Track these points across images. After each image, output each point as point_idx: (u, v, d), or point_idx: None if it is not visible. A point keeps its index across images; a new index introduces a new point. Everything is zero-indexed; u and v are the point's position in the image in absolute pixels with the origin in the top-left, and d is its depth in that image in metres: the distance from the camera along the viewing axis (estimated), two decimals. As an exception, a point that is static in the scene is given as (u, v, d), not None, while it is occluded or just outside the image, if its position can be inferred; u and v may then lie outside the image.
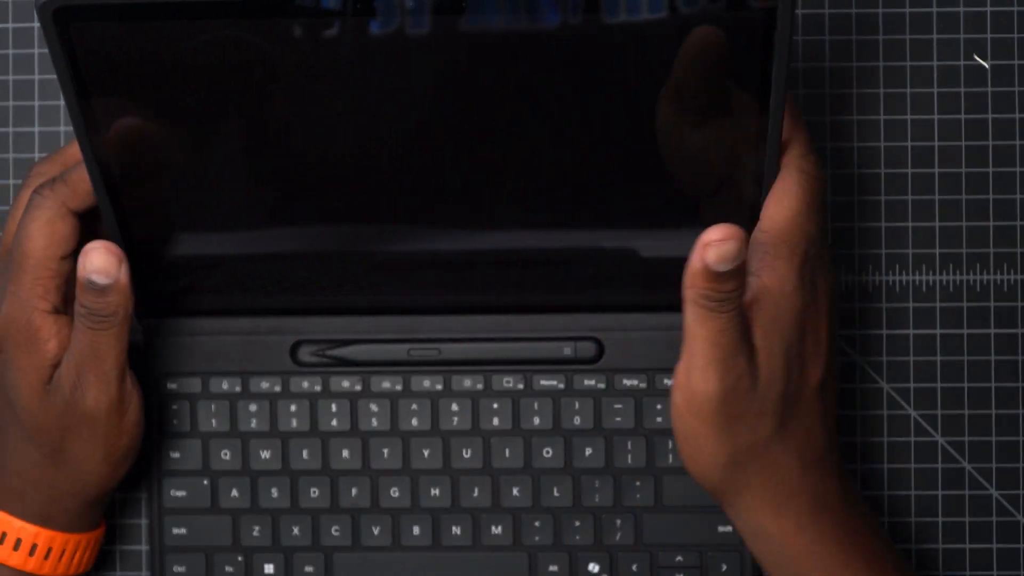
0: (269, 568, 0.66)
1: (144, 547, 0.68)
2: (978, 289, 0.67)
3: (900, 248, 0.67)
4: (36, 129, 0.68)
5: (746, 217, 0.59)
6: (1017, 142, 0.67)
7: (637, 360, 0.65)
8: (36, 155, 0.68)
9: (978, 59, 0.66)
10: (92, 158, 0.56)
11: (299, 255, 0.61)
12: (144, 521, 0.68)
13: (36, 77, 0.68)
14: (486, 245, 0.61)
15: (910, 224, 0.67)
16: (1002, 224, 0.67)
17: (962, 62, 0.67)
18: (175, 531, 0.66)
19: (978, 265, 0.67)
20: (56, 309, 0.59)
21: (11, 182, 0.68)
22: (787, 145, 0.57)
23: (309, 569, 0.66)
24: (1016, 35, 0.67)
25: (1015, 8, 0.67)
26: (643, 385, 0.65)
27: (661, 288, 0.63)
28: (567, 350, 0.65)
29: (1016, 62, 0.67)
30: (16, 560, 0.61)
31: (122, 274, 0.56)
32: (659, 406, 0.65)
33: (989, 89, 0.67)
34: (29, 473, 0.60)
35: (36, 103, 0.68)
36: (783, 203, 0.56)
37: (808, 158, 0.57)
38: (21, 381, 0.59)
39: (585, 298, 0.64)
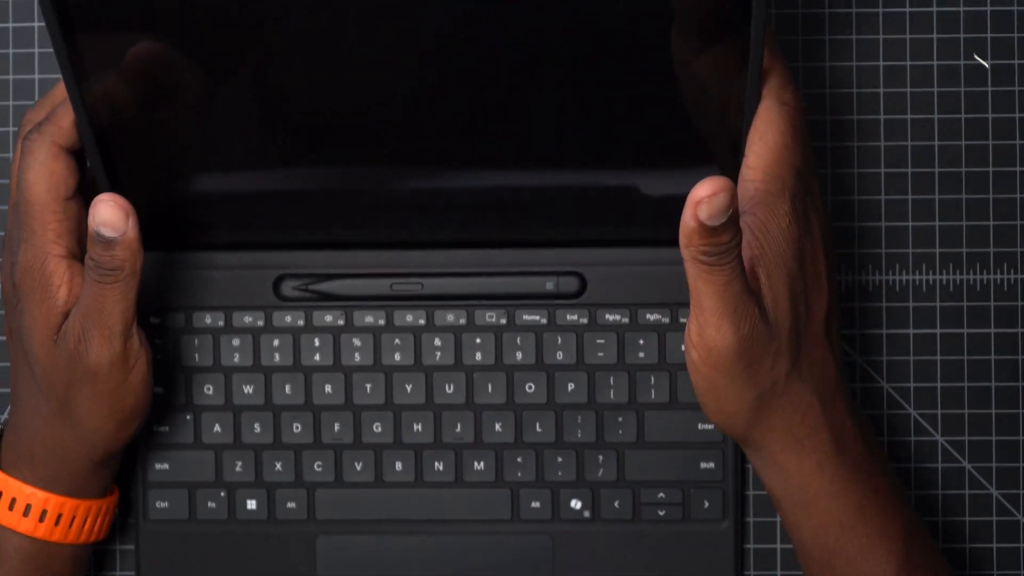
0: (252, 504, 0.66)
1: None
2: (978, 289, 0.67)
3: (900, 248, 0.67)
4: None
5: (729, 150, 0.59)
6: (1017, 142, 0.67)
7: (620, 295, 0.64)
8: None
9: (978, 59, 0.66)
10: (76, 93, 0.57)
11: (283, 190, 0.61)
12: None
13: (36, 77, 0.68)
14: (469, 181, 0.61)
15: (910, 224, 0.67)
16: (1002, 224, 0.67)
17: (962, 62, 0.67)
18: (157, 467, 0.66)
19: (978, 265, 0.67)
20: (71, 254, 0.59)
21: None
22: (766, 77, 0.57)
23: (291, 505, 0.66)
24: (1016, 35, 0.67)
25: (1015, 8, 0.67)
26: (625, 320, 0.65)
27: (644, 223, 0.63)
28: (550, 285, 0.65)
29: (1016, 62, 0.67)
30: (25, 527, 0.60)
31: (130, 228, 0.55)
32: (641, 341, 0.64)
33: (989, 89, 0.67)
34: (39, 431, 0.60)
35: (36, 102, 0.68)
36: (767, 137, 0.56)
37: (787, 88, 0.57)
38: (33, 329, 0.59)
39: (568, 233, 0.64)
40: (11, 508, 0.60)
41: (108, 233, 0.55)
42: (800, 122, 0.57)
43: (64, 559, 0.61)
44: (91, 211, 0.55)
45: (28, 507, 0.60)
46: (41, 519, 0.60)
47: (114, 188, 0.62)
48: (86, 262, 0.57)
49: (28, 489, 0.60)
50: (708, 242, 0.52)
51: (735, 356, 0.54)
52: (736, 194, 0.51)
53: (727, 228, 0.52)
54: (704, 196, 0.51)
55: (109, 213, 0.55)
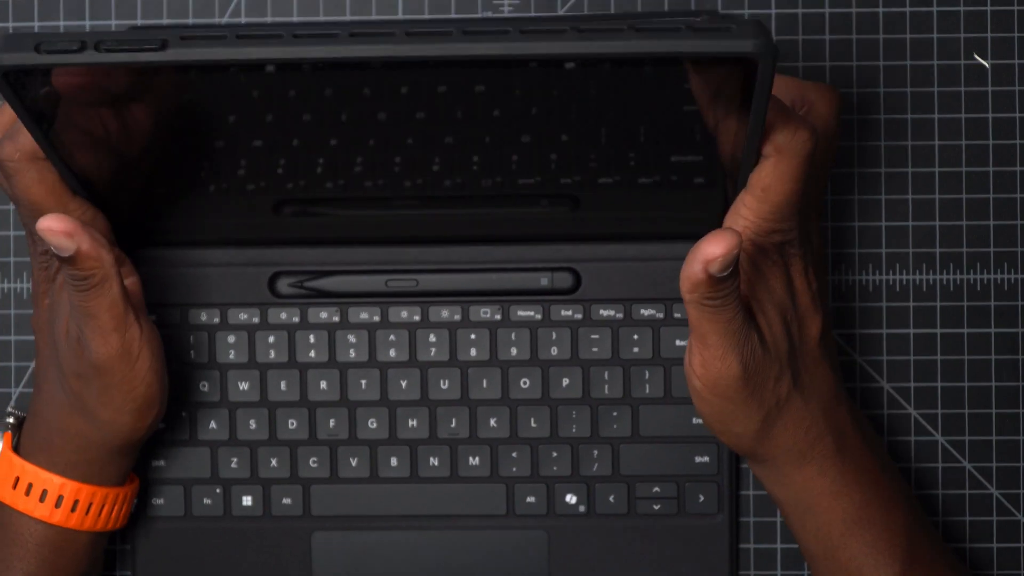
0: (247, 500, 0.66)
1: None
2: (978, 288, 0.67)
3: (900, 248, 0.67)
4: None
5: (726, 152, 0.59)
6: (1017, 142, 0.67)
7: (614, 290, 0.65)
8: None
9: (978, 58, 0.66)
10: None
11: (278, 187, 0.62)
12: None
13: None
14: (463, 177, 0.61)
15: (910, 223, 0.67)
16: (1002, 223, 0.67)
17: (962, 62, 0.67)
18: (153, 463, 0.66)
19: (978, 264, 0.67)
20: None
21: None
22: (771, 127, 0.55)
23: (287, 501, 0.66)
24: (1016, 35, 0.67)
25: (1015, 8, 0.67)
26: (620, 315, 0.65)
27: (638, 218, 0.63)
28: (544, 281, 0.65)
29: (1016, 62, 0.67)
30: (42, 512, 0.60)
31: (82, 242, 0.55)
32: (635, 336, 0.65)
33: (989, 89, 0.67)
34: (57, 420, 0.60)
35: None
36: (770, 190, 0.55)
37: (787, 132, 0.54)
38: (57, 322, 0.59)
39: (562, 228, 0.64)
40: (28, 493, 0.60)
41: (61, 253, 0.55)
42: (804, 163, 0.55)
43: (81, 546, 0.62)
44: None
45: (45, 492, 0.60)
46: (58, 505, 0.60)
47: (111, 185, 0.62)
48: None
49: (45, 475, 0.60)
50: (714, 291, 0.53)
51: (740, 383, 0.55)
52: (740, 244, 0.52)
53: (732, 275, 0.52)
54: (718, 255, 0.51)
55: (52, 234, 0.54)
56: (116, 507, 0.63)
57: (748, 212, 0.55)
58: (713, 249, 0.51)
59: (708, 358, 0.55)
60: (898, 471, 0.61)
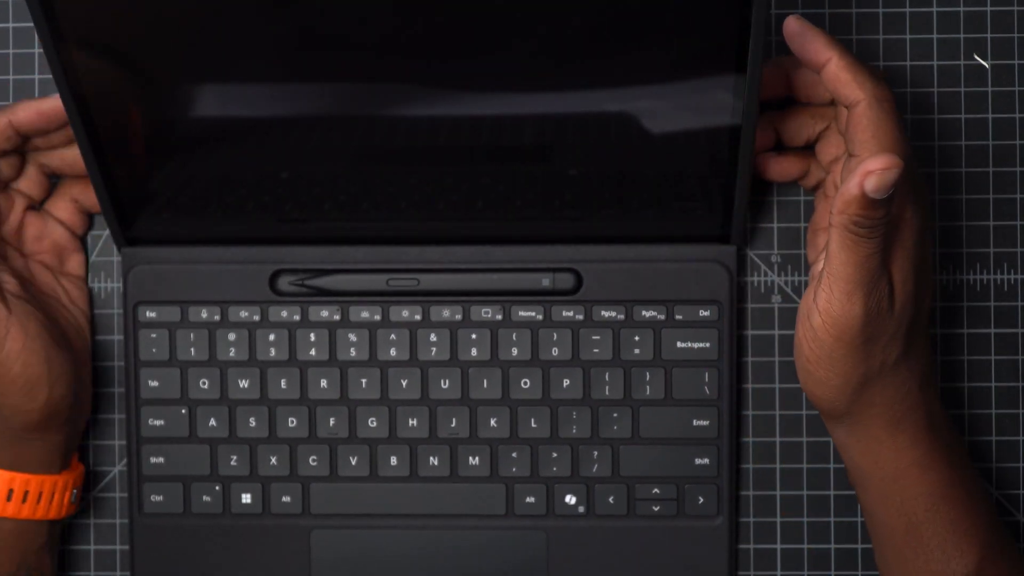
0: (246, 498, 0.66)
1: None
2: (978, 289, 0.67)
3: None
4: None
5: (725, 151, 0.59)
6: (1017, 142, 0.67)
7: (615, 292, 0.65)
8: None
9: (978, 59, 0.66)
10: (68, 92, 0.57)
11: (279, 185, 0.62)
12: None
13: (36, 77, 0.68)
14: (466, 177, 0.61)
15: None
16: (1002, 224, 0.67)
17: (962, 62, 0.67)
18: (153, 460, 0.66)
19: (978, 265, 0.67)
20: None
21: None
22: (855, 77, 0.57)
23: (286, 499, 0.66)
24: (1016, 35, 0.67)
25: (1015, 8, 0.67)
26: (621, 317, 0.65)
27: (639, 220, 0.63)
28: (545, 281, 0.65)
29: (1016, 62, 0.67)
30: None
31: None
32: (636, 337, 0.65)
33: (989, 89, 0.67)
34: None
35: (36, 103, 0.68)
36: (879, 135, 0.56)
37: (880, 85, 0.57)
38: None
39: (564, 230, 0.64)
40: None
41: None
42: (894, 104, 0.57)
43: (19, 536, 0.62)
44: None
45: None
46: (8, 498, 0.61)
47: (108, 184, 0.62)
48: None
49: None
50: (864, 213, 0.53)
51: (859, 328, 0.56)
52: (902, 174, 0.52)
53: (885, 204, 0.53)
54: (877, 168, 0.52)
55: None
56: (67, 493, 0.63)
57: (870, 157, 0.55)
58: (875, 163, 0.52)
59: (835, 291, 0.55)
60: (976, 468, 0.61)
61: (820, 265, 0.59)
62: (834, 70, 0.56)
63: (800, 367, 0.59)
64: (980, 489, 0.60)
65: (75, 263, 0.66)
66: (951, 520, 0.59)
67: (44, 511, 0.62)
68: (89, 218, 0.67)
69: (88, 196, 0.65)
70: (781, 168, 0.63)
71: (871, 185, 0.52)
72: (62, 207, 0.65)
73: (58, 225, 0.65)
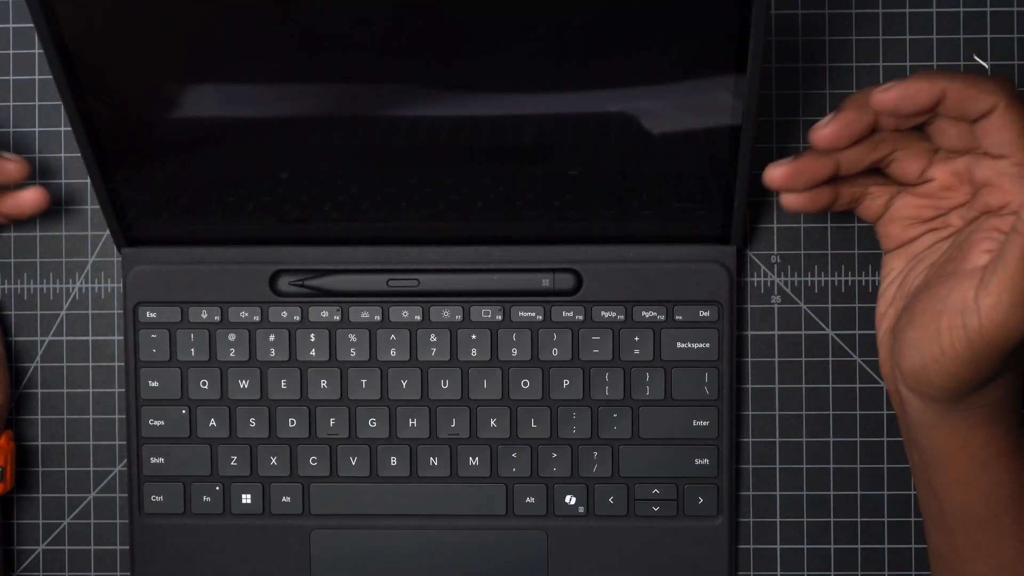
0: (246, 498, 0.66)
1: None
2: None
3: None
4: (36, 129, 0.68)
5: (725, 150, 0.59)
6: None
7: (615, 292, 0.65)
8: (36, 155, 0.68)
9: (978, 59, 0.66)
10: (68, 91, 0.57)
11: (279, 186, 0.62)
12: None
13: (36, 77, 0.68)
14: (465, 177, 0.61)
15: None
16: None
17: (962, 62, 0.67)
18: (153, 460, 0.66)
19: None
20: None
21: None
22: (984, 86, 0.55)
23: (286, 499, 0.66)
24: (1016, 35, 0.67)
25: (1015, 8, 0.67)
26: (621, 317, 0.65)
27: (639, 220, 0.63)
28: (545, 281, 0.65)
29: (1016, 62, 0.67)
30: None
31: None
32: (636, 338, 0.65)
33: None
34: None
35: (36, 103, 0.68)
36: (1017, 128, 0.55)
37: (1004, 83, 0.55)
38: None
39: (564, 230, 0.64)
40: None
41: None
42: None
43: None
44: None
45: None
46: None
47: (109, 184, 0.62)
48: None
49: None
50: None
51: (1019, 338, 0.54)
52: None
53: None
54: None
55: None
56: None
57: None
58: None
59: (1005, 300, 0.54)
60: None
61: (980, 261, 0.56)
62: (956, 95, 0.55)
63: (927, 354, 0.57)
64: None
65: None
66: None
67: None
68: None
69: None
70: (814, 200, 0.60)
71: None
72: None
73: None
